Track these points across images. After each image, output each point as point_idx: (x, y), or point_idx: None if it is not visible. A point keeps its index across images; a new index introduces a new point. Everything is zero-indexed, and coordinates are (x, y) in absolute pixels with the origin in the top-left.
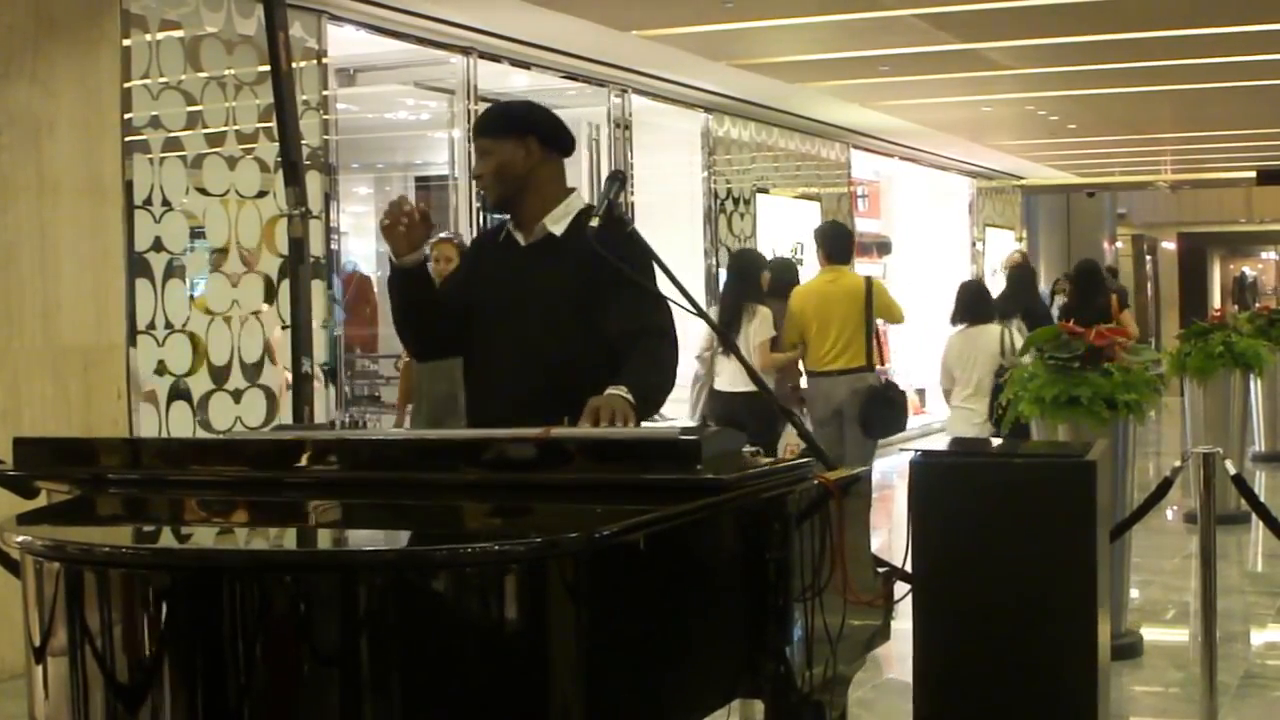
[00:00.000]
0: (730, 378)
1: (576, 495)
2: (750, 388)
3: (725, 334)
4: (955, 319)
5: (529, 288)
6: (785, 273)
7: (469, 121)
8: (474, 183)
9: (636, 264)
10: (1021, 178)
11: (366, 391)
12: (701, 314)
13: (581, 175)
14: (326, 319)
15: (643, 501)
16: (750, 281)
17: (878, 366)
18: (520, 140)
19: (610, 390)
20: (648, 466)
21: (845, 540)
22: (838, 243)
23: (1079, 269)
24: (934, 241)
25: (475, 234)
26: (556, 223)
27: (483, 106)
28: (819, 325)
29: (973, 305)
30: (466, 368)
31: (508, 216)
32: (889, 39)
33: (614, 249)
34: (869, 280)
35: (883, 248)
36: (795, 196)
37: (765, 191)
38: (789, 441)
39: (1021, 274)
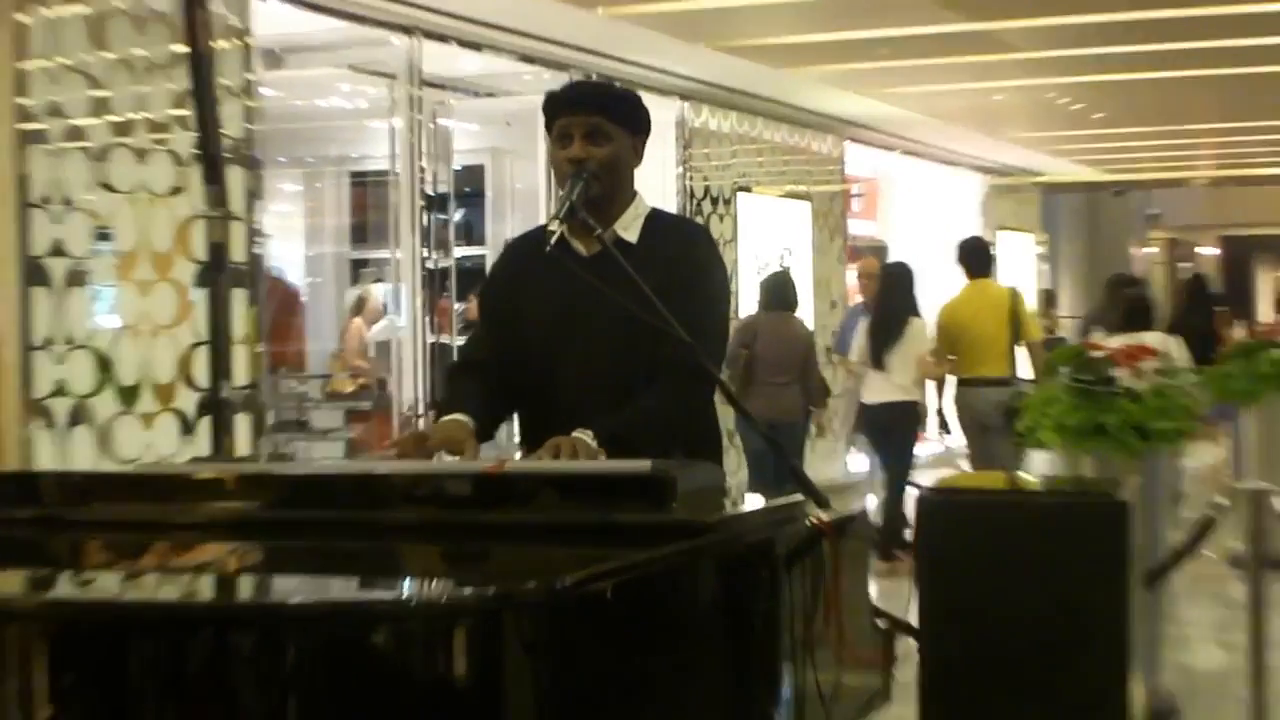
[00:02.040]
0: (878, 390)
1: (535, 538)
2: (896, 398)
3: (700, 356)
4: (1118, 327)
5: (598, 302)
6: (784, 289)
7: (411, 109)
8: (564, 165)
9: (688, 276)
10: (1040, 174)
11: (292, 416)
12: (683, 339)
13: (538, 170)
14: (249, 334)
15: (610, 545)
16: (907, 293)
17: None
18: (635, 136)
19: (576, 434)
20: (616, 505)
21: (840, 588)
22: (979, 257)
23: (1185, 283)
24: (939, 247)
25: (420, 237)
26: (627, 229)
27: (428, 94)
28: (964, 336)
29: (1135, 313)
30: (520, 394)
31: (549, 223)
32: (889, 18)
33: (668, 252)
34: (1013, 292)
35: (879, 254)
36: (782, 195)
37: (748, 190)
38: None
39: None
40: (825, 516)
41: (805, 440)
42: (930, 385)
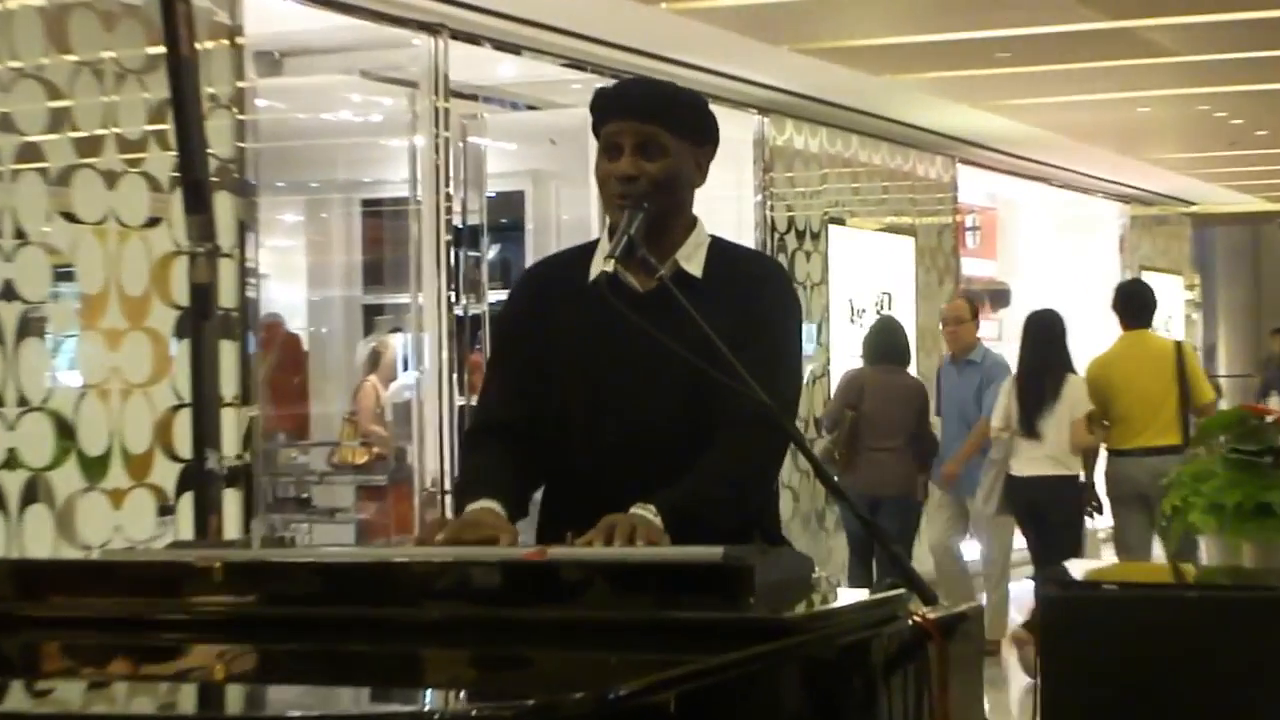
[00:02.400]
0: (1030, 461)
1: (584, 639)
2: (1055, 471)
3: (777, 416)
4: None
5: (656, 347)
6: (893, 337)
7: (436, 124)
8: (610, 182)
9: (762, 319)
10: (1192, 203)
11: (293, 493)
12: (759, 399)
13: (589, 198)
14: (241, 394)
15: (674, 648)
16: (1061, 346)
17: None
18: (698, 149)
19: (635, 509)
20: (682, 600)
21: (948, 700)
22: (1137, 303)
23: None
24: (1069, 291)
25: (446, 278)
26: (689, 259)
27: (456, 106)
28: (1119, 399)
29: None
30: (549, 460)
31: (604, 262)
32: (1011, 15)
33: (738, 291)
34: (1179, 345)
35: (998, 299)
36: (881, 229)
37: (840, 222)
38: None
39: None
40: (931, 614)
41: (920, 519)
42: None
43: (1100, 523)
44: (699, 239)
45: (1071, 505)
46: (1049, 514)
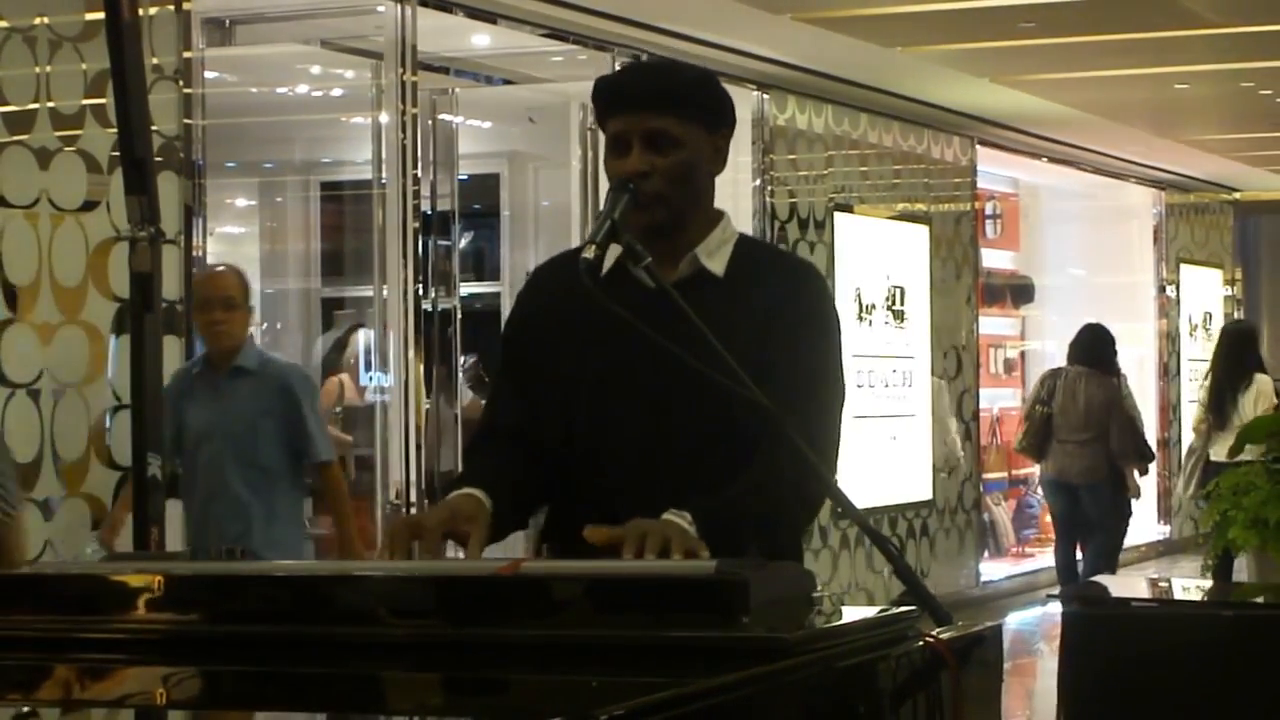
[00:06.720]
0: (1221, 449)
1: (562, 660)
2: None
3: (772, 410)
4: None
5: (674, 360)
6: (1100, 345)
7: (402, 99)
8: (615, 182)
9: (796, 327)
10: (1235, 190)
11: None
12: (755, 397)
13: (571, 181)
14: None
15: (661, 669)
16: (1253, 348)
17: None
18: (714, 133)
19: (668, 515)
20: (669, 617)
21: None
22: None
23: None
24: (1099, 285)
25: (413, 269)
26: (711, 256)
27: (425, 79)
28: None
29: None
30: (554, 477)
31: (585, 247)
32: None
33: (768, 293)
34: None
35: (1020, 294)
36: (892, 217)
37: (847, 209)
38: None
39: None
40: (945, 636)
41: (1109, 506)
42: None
43: None
44: (724, 235)
45: None
46: None
